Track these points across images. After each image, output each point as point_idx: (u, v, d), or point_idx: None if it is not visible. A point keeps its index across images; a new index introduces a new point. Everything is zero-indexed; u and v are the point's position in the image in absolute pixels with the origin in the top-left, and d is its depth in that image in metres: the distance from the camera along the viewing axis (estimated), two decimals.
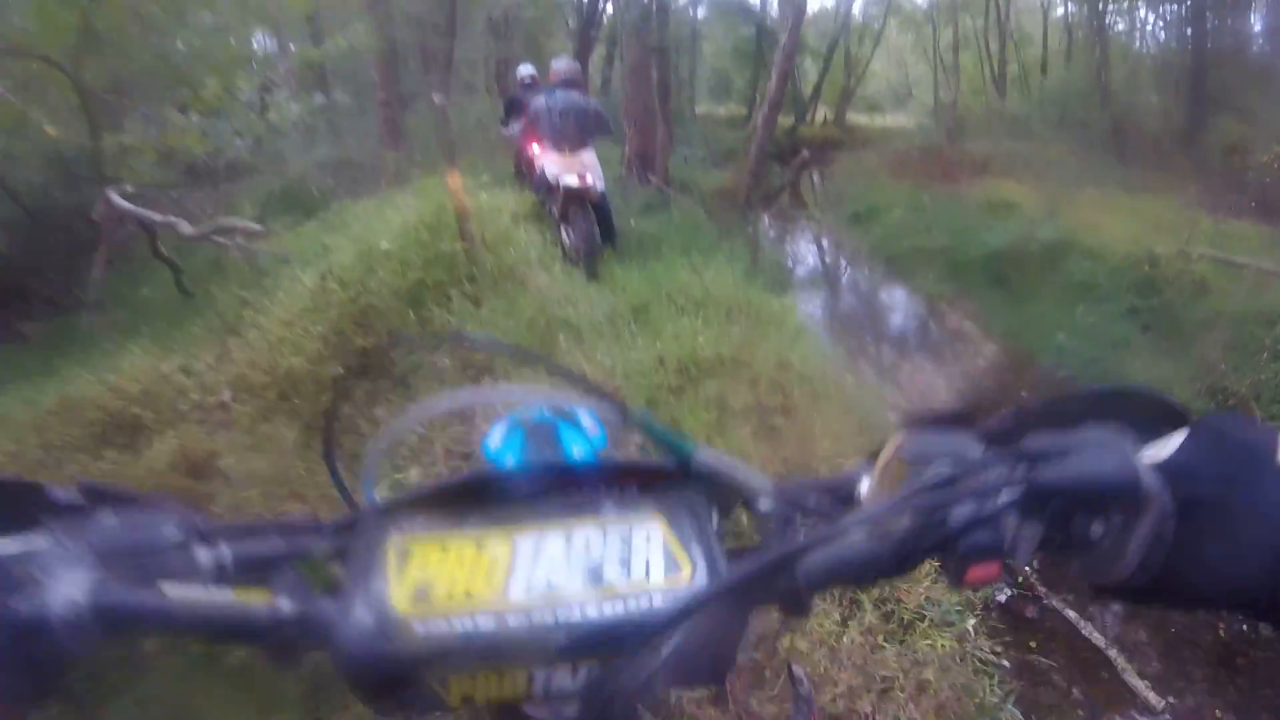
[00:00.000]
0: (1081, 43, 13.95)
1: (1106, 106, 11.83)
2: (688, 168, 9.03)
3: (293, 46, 10.94)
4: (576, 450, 0.87)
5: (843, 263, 7.29)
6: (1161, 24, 12.74)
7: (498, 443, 0.90)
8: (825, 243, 7.81)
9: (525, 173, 5.88)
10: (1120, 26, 13.62)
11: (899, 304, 6.20)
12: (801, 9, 7.47)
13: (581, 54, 12.38)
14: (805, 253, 7.75)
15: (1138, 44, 13.37)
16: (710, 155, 10.76)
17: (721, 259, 4.61)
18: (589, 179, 4.35)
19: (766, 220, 8.01)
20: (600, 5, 12.77)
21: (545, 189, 4.71)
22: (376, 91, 8.58)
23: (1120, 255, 5.49)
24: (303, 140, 8.04)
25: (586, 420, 0.94)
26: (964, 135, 11.69)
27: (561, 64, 5.00)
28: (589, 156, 4.62)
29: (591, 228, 4.38)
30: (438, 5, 11.72)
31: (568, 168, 4.40)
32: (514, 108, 6.37)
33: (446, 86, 10.48)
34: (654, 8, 7.07)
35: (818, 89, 12.83)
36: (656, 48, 7.35)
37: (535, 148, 4.99)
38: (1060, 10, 14.89)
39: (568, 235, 4.47)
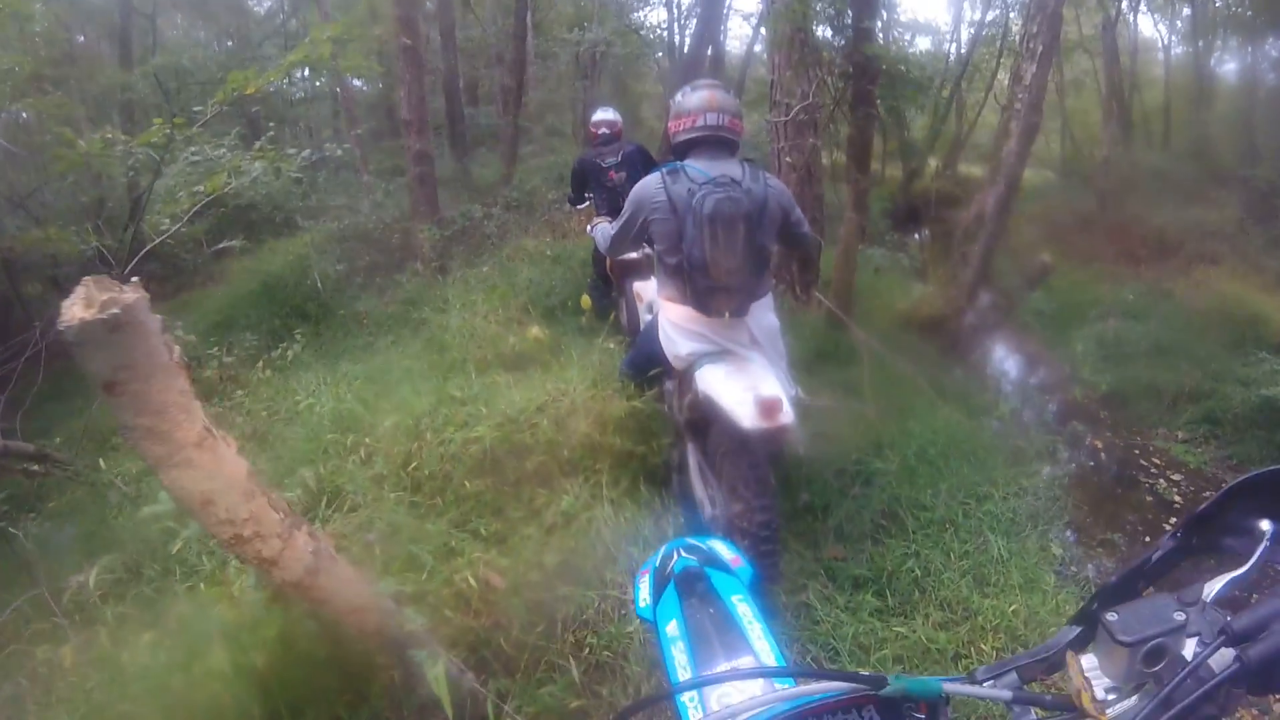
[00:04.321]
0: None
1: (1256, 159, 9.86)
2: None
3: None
4: (736, 601, 0.84)
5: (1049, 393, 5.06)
6: None
7: (649, 599, 0.88)
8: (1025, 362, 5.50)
9: (613, 293, 4.11)
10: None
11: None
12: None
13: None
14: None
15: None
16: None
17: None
18: (783, 408, 1.87)
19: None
20: (705, 36, 9.76)
21: (663, 377, 2.52)
22: (406, 139, 5.83)
23: None
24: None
25: (727, 553, 0.94)
26: (1108, 193, 9.75)
27: (706, 94, 2.19)
28: (766, 320, 2.23)
29: (772, 512, 1.97)
30: (504, 38, 9.77)
31: (738, 374, 2.02)
32: (587, 180, 4.35)
33: (513, 133, 8.86)
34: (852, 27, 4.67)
35: (935, 136, 11.14)
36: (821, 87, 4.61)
37: (644, 286, 3.00)
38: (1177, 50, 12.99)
39: (709, 501, 2.26)
